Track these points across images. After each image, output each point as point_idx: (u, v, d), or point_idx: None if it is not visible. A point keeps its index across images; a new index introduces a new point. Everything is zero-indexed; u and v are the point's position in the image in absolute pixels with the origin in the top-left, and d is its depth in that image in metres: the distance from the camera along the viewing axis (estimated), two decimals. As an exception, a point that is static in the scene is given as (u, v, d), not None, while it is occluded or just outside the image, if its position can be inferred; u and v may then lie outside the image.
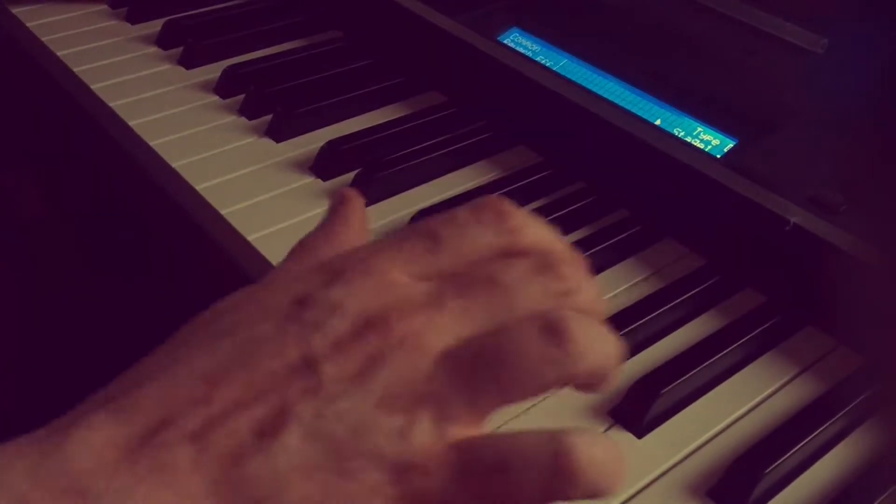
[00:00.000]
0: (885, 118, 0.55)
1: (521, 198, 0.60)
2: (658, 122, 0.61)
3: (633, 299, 0.53)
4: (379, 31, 0.76)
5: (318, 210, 0.59)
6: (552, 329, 0.25)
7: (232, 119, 0.68)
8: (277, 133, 0.65)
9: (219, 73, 0.71)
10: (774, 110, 0.59)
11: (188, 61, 0.73)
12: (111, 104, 0.67)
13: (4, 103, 0.81)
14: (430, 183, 0.62)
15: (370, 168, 0.60)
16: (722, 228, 0.56)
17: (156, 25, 0.77)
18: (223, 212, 0.58)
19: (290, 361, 0.24)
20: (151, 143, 0.64)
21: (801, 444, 0.44)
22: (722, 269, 0.55)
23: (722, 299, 0.54)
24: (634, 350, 0.50)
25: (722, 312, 0.53)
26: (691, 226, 0.57)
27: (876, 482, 0.43)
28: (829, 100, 0.58)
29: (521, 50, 0.68)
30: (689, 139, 0.60)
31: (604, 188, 0.61)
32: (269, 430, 0.23)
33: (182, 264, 0.64)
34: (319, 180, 0.61)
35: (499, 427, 0.42)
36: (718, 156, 0.57)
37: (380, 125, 0.66)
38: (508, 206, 0.28)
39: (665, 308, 0.51)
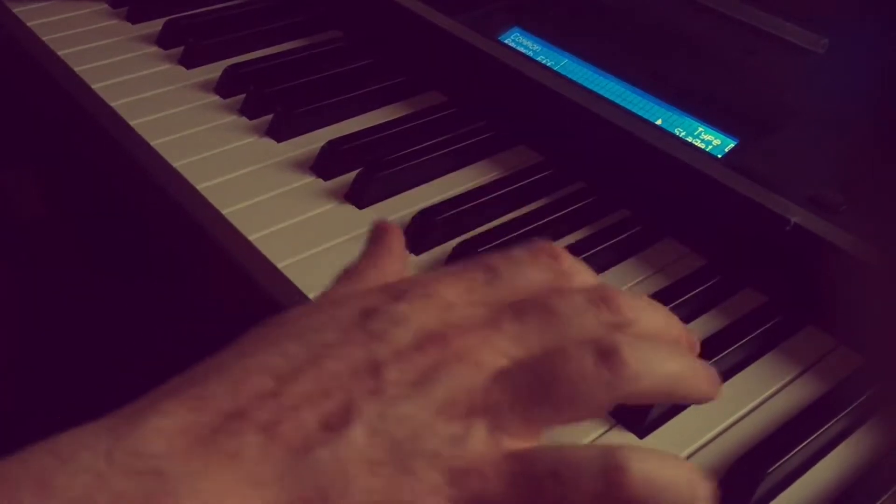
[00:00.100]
0: (885, 118, 0.55)
1: (522, 198, 0.60)
2: (659, 122, 0.61)
3: (633, 299, 0.53)
4: (379, 31, 0.76)
5: (319, 210, 0.59)
6: (604, 353, 0.26)
7: (232, 119, 0.68)
8: (278, 133, 0.65)
9: (219, 73, 0.71)
10: (775, 110, 0.59)
11: (189, 61, 0.73)
12: (112, 104, 0.67)
13: (4, 103, 0.81)
14: (431, 183, 0.62)
15: (370, 168, 0.60)
16: (722, 228, 0.55)
17: (156, 25, 0.77)
18: (224, 211, 0.58)
19: (356, 364, 0.25)
20: (152, 143, 0.64)
21: (803, 444, 0.44)
22: (722, 269, 0.55)
23: (722, 299, 0.54)
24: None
25: (722, 312, 0.53)
26: (692, 226, 0.57)
27: (878, 482, 0.43)
28: (829, 100, 0.58)
29: (522, 50, 0.68)
30: (689, 139, 0.59)
31: (604, 188, 0.61)
32: (335, 424, 0.24)
33: (182, 264, 0.64)
34: (320, 180, 0.61)
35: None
36: (719, 156, 0.57)
37: (380, 125, 0.66)
38: (561, 251, 0.30)
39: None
